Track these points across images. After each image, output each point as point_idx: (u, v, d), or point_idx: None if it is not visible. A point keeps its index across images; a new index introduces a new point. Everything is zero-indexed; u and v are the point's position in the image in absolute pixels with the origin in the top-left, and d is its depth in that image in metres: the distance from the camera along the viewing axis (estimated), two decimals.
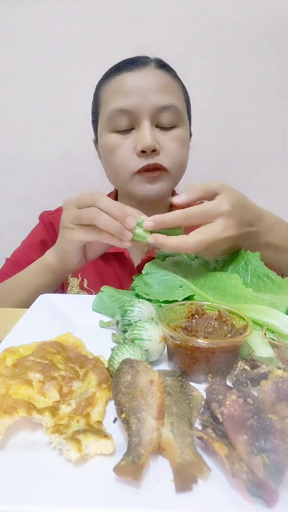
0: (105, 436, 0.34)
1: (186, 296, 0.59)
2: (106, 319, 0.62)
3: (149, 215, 0.64)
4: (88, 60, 1.30)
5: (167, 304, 0.55)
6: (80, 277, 0.97)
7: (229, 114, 1.38)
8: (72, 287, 0.97)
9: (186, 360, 0.46)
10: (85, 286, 0.96)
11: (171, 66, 0.91)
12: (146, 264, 0.67)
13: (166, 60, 0.91)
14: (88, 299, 0.68)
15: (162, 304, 0.58)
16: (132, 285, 0.67)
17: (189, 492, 0.30)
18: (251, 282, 0.63)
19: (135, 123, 0.84)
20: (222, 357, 0.45)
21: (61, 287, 0.99)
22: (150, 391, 0.38)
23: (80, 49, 1.31)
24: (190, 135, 0.96)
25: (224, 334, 0.49)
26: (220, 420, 0.34)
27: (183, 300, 0.57)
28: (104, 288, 0.69)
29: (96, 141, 0.97)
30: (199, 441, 0.35)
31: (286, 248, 0.70)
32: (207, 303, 0.55)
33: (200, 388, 0.42)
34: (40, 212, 1.09)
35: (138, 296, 0.63)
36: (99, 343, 0.53)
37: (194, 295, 0.60)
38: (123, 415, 0.35)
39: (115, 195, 1.03)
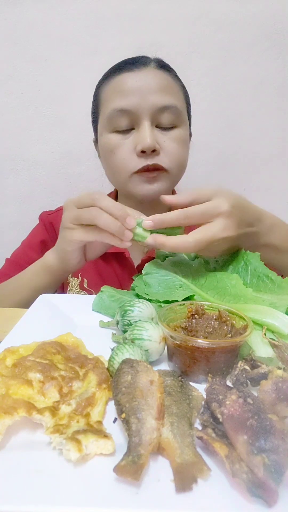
0: (105, 436, 0.34)
1: (186, 296, 0.59)
2: (106, 319, 0.62)
3: (148, 215, 0.64)
4: (88, 60, 1.30)
5: (167, 304, 0.55)
6: (80, 277, 0.97)
7: (229, 114, 1.38)
8: (72, 287, 0.97)
9: (186, 360, 0.46)
10: (85, 286, 0.96)
11: (171, 66, 0.91)
12: (146, 264, 0.67)
13: (166, 60, 0.91)
14: (88, 299, 0.68)
15: (162, 304, 0.58)
16: (132, 285, 0.67)
17: (189, 492, 0.30)
18: (251, 282, 0.63)
19: (135, 123, 0.84)
20: (222, 357, 0.45)
21: (61, 287, 0.99)
22: (150, 391, 0.38)
23: (80, 49, 1.31)
24: (190, 135, 0.96)
25: (224, 334, 0.49)
26: (220, 420, 0.34)
27: (183, 300, 0.57)
28: (104, 288, 0.69)
29: (96, 141, 0.97)
30: (199, 441, 0.35)
31: (286, 249, 0.71)
32: (207, 303, 0.55)
33: (200, 388, 0.42)
34: (40, 212, 1.09)
35: (138, 296, 0.63)
36: (99, 343, 0.53)
37: (194, 295, 0.60)
38: (123, 415, 0.35)
39: (115, 195, 1.03)
